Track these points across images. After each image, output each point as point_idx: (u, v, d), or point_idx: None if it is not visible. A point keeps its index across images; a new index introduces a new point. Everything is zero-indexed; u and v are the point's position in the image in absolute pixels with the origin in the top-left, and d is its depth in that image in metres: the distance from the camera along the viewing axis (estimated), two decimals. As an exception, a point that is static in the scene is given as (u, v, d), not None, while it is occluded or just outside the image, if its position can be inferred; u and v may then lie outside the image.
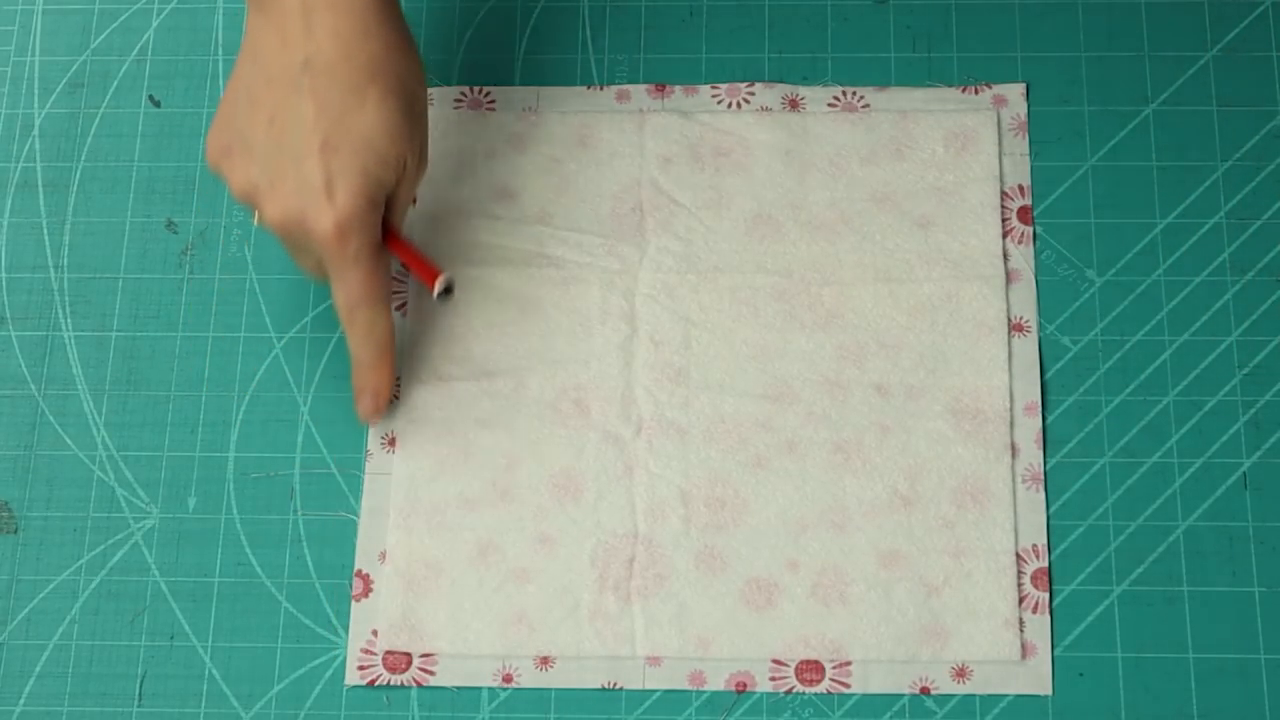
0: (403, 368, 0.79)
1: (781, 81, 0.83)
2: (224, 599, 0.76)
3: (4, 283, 0.82)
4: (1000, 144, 0.81)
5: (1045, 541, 0.75)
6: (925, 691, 0.73)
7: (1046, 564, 0.74)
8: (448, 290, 0.75)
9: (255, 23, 0.73)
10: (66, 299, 0.81)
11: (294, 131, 0.71)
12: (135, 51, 0.86)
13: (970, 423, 0.76)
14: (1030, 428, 0.76)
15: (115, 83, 0.85)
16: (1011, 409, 0.77)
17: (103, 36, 0.86)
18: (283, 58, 0.72)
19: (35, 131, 0.85)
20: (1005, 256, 0.79)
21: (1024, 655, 0.73)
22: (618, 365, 0.78)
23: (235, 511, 0.77)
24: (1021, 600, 0.74)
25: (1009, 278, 0.79)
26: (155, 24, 0.86)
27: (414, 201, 0.81)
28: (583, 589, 0.75)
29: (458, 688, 0.74)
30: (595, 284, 0.80)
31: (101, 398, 0.80)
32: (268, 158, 0.71)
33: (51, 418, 0.79)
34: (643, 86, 0.83)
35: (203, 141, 0.83)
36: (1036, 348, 0.78)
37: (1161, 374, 0.77)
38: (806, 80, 0.83)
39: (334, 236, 0.71)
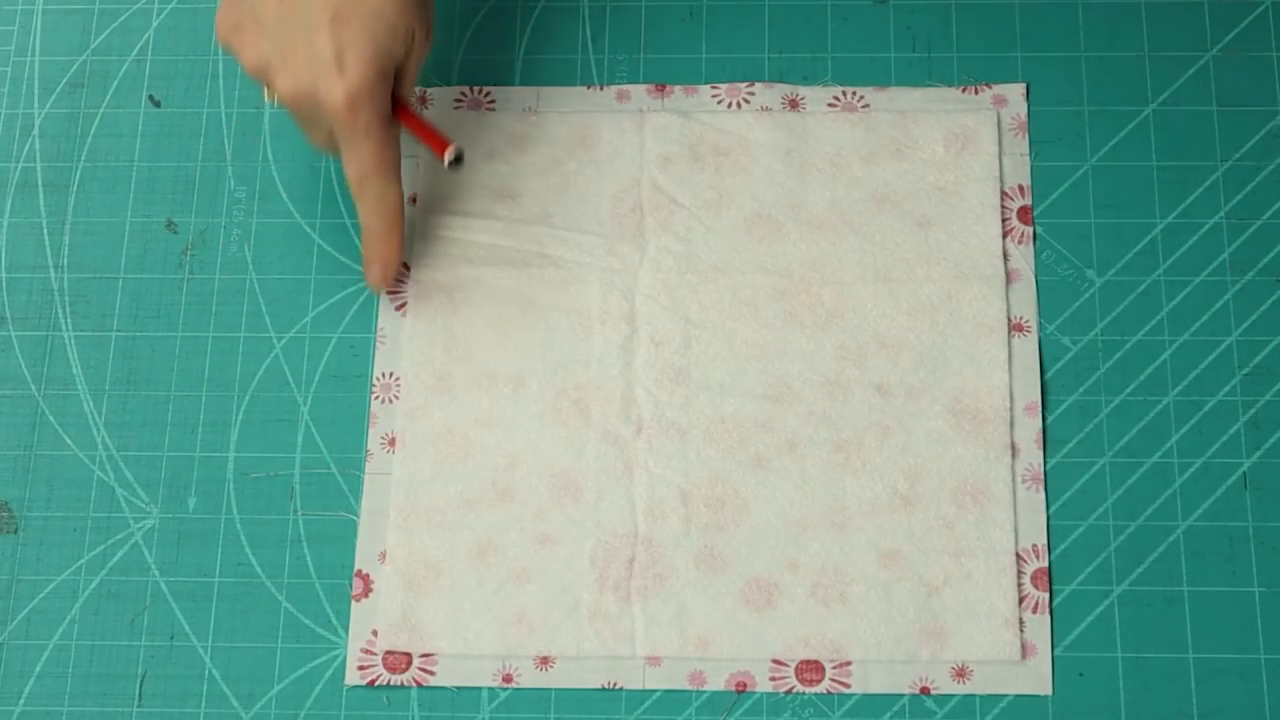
0: (403, 367, 0.79)
1: (781, 81, 0.83)
2: (224, 599, 0.76)
3: (4, 283, 0.82)
4: (1000, 144, 0.81)
5: (1045, 541, 0.75)
6: (925, 691, 0.73)
7: (1046, 564, 0.74)
8: (458, 159, 0.75)
9: None
10: (66, 299, 0.81)
11: (304, 5, 0.72)
12: (135, 51, 0.86)
13: (970, 423, 0.76)
14: (1030, 428, 0.76)
15: (115, 83, 0.85)
16: (1011, 409, 0.77)
17: (103, 36, 0.86)
18: None
19: (35, 131, 0.85)
20: (1005, 256, 0.79)
21: (1024, 655, 0.73)
22: (618, 365, 0.78)
23: (235, 511, 0.77)
24: (1021, 600, 0.74)
25: (1009, 278, 0.79)
26: (155, 24, 0.86)
27: (414, 200, 0.81)
28: (583, 589, 0.75)
29: (458, 688, 0.74)
30: (595, 284, 0.80)
31: (101, 398, 0.80)
32: (279, 32, 0.73)
33: (51, 418, 0.80)
34: (643, 86, 0.83)
35: (203, 141, 0.84)
36: (1036, 348, 0.78)
37: (1161, 374, 0.77)
38: (806, 80, 0.83)
39: (345, 108, 0.72)
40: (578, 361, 0.78)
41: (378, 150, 0.74)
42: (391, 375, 0.79)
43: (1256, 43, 0.82)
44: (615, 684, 0.74)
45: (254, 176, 0.83)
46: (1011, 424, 0.76)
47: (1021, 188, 0.80)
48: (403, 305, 0.80)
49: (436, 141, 0.76)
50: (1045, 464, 0.76)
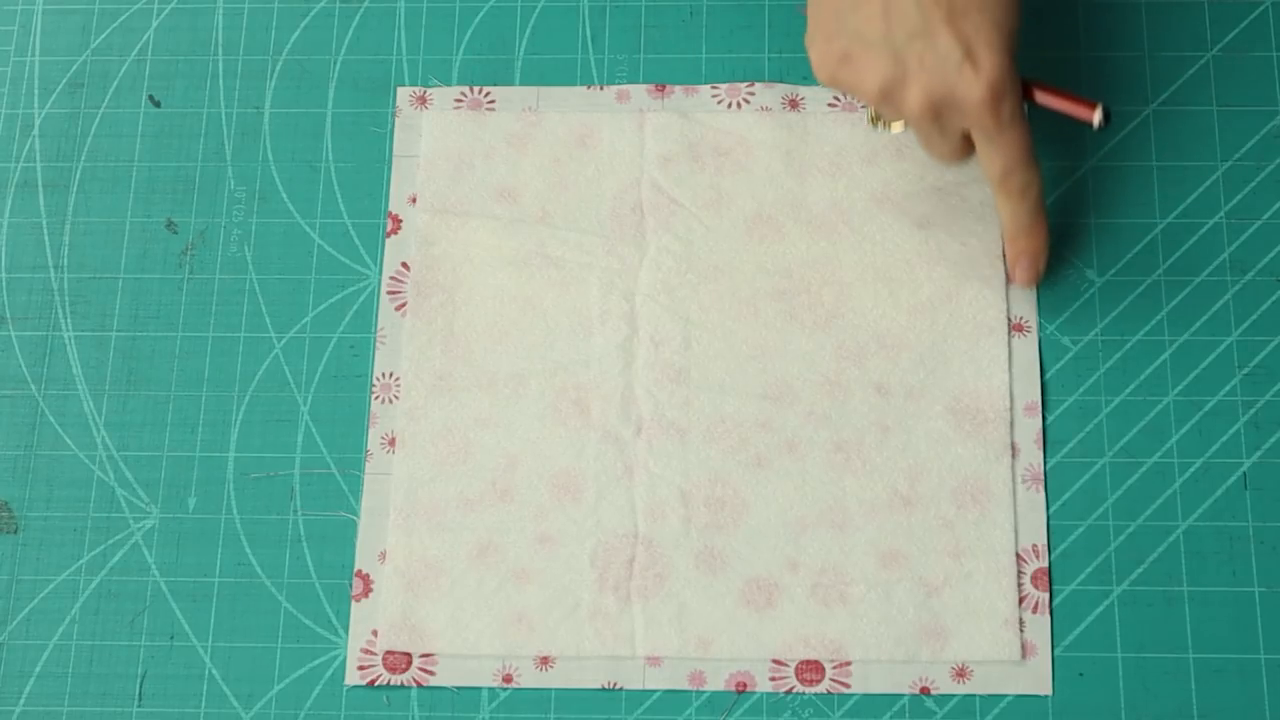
0: (403, 367, 0.79)
1: (781, 81, 0.83)
2: (224, 599, 0.76)
3: (4, 283, 0.82)
4: (1000, 144, 0.81)
5: (1045, 541, 0.75)
6: (925, 691, 0.73)
7: (1046, 564, 0.74)
8: (1106, 118, 0.72)
9: None
10: (66, 299, 0.81)
11: (913, 11, 0.70)
12: (135, 51, 0.86)
13: (970, 423, 0.76)
14: (1030, 428, 0.76)
15: (115, 83, 0.85)
16: (1011, 409, 0.77)
17: (103, 36, 0.86)
18: None
19: (35, 131, 0.85)
20: (1005, 256, 0.79)
21: (1024, 655, 0.73)
22: (618, 365, 0.78)
23: (235, 511, 0.77)
24: (1021, 600, 0.74)
25: (1009, 278, 0.79)
26: (155, 24, 0.86)
27: (413, 201, 0.81)
28: (583, 589, 0.75)
29: (458, 688, 0.74)
30: (595, 284, 0.80)
31: (101, 398, 0.80)
32: (895, 46, 0.70)
33: (51, 418, 0.80)
34: (643, 86, 0.83)
35: (203, 141, 0.84)
36: (1036, 348, 0.78)
37: (1161, 374, 0.77)
38: (806, 80, 0.83)
39: (988, 102, 0.69)
40: (578, 361, 0.78)
41: (1021, 139, 0.71)
42: (391, 375, 0.79)
43: (1256, 43, 0.82)
44: (615, 684, 0.74)
45: (254, 176, 0.83)
46: (1011, 424, 0.76)
47: (1021, 188, 0.80)
48: (403, 305, 0.80)
49: (1081, 105, 0.72)
50: (1045, 464, 0.76)
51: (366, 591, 0.76)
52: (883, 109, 0.73)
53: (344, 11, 0.86)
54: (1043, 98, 0.73)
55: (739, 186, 0.81)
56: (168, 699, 0.75)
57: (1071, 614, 0.74)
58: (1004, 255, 0.78)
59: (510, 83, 0.84)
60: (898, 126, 0.75)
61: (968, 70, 0.69)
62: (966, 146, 0.73)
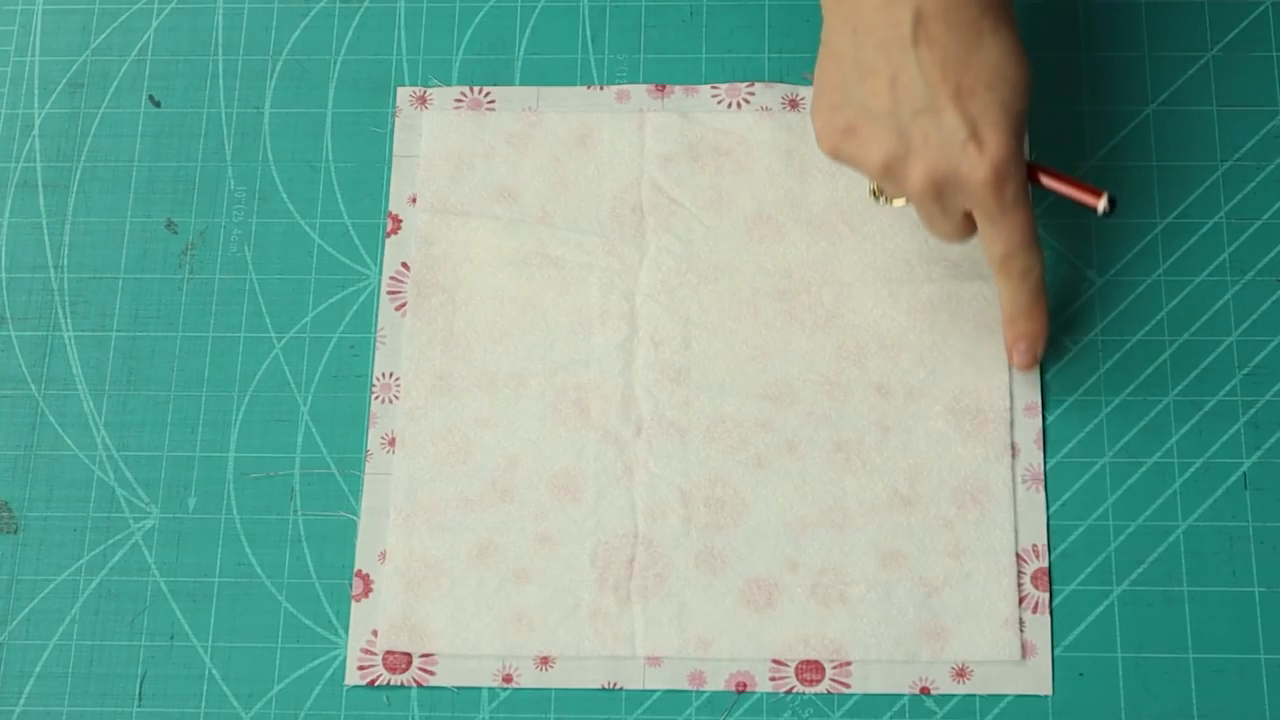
0: (403, 367, 0.79)
1: (781, 81, 0.83)
2: (224, 599, 0.76)
3: (4, 283, 0.82)
4: (1000, 144, 0.81)
5: (1045, 541, 0.75)
6: (925, 691, 0.73)
7: (1046, 564, 0.74)
8: (1112, 206, 0.71)
9: None
10: (66, 299, 0.81)
11: (920, 87, 0.68)
12: (135, 51, 0.86)
13: (970, 423, 0.76)
14: (1030, 428, 0.76)
15: (115, 83, 0.85)
16: (1011, 409, 0.77)
17: (103, 36, 0.86)
18: (889, 17, 0.69)
19: (35, 131, 0.85)
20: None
21: (1024, 655, 0.73)
22: (618, 365, 0.78)
23: (235, 511, 0.77)
24: (1021, 600, 0.74)
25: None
26: (155, 24, 0.86)
27: (413, 201, 0.81)
28: (583, 589, 0.75)
29: (458, 688, 0.74)
30: (595, 284, 0.80)
31: (101, 398, 0.80)
32: (900, 122, 0.69)
33: (51, 418, 0.80)
34: (643, 86, 0.83)
35: (203, 141, 0.83)
36: (1036, 348, 0.78)
37: (1161, 374, 0.77)
38: (807, 80, 0.83)
39: (992, 183, 0.68)
40: (578, 361, 0.78)
41: (1023, 222, 0.70)
42: (391, 375, 0.79)
43: (1256, 43, 0.82)
44: (615, 684, 0.74)
45: (254, 176, 0.83)
46: (1011, 424, 0.76)
47: (1021, 188, 0.80)
48: (403, 305, 0.80)
49: (1086, 192, 0.72)
50: (1045, 464, 0.76)
51: (366, 591, 0.76)
52: (885, 184, 0.72)
53: (344, 11, 0.86)
54: (1048, 182, 0.72)
55: (739, 186, 0.81)
56: (168, 699, 0.75)
57: (1071, 614, 0.74)
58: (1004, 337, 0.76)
59: (510, 83, 0.84)
60: (899, 202, 0.75)
61: (972, 150, 0.68)
62: (968, 225, 0.72)
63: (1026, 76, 0.69)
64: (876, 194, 0.76)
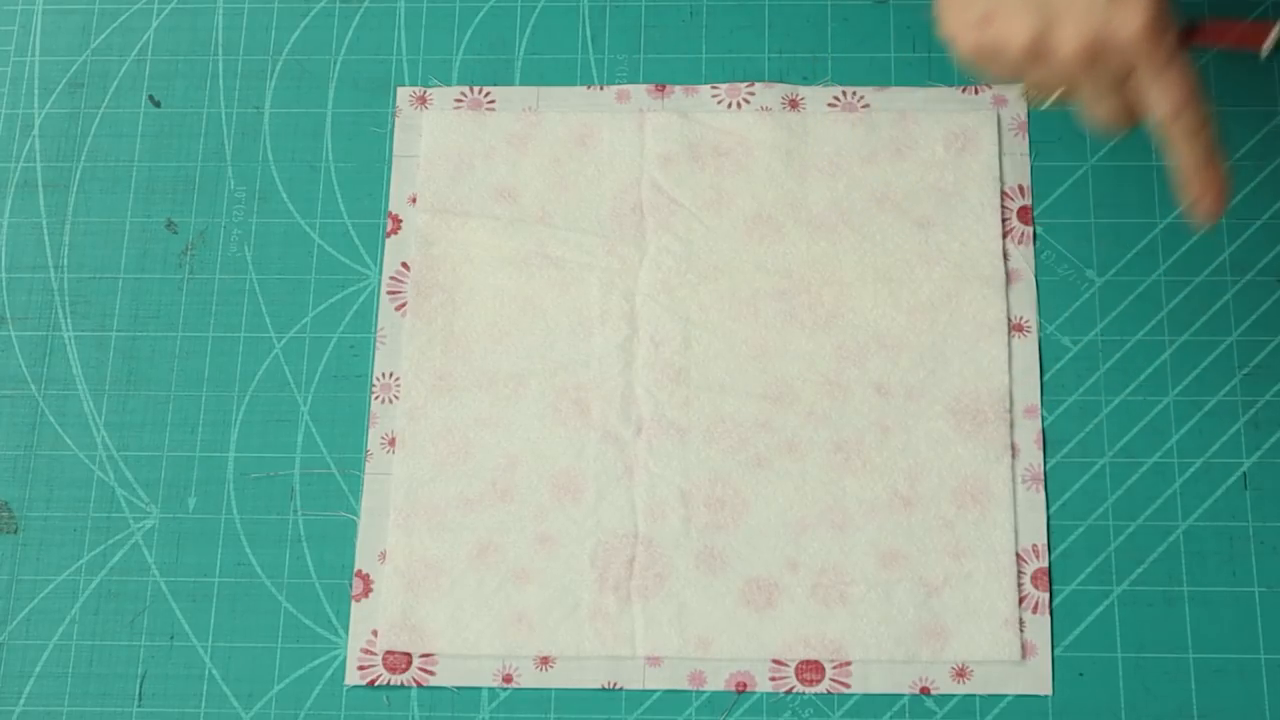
0: (403, 367, 0.79)
1: (781, 81, 0.83)
2: (224, 599, 0.76)
3: (4, 283, 0.82)
4: (1000, 144, 0.81)
5: (1045, 541, 0.75)
6: (925, 691, 0.73)
7: (1046, 564, 0.74)
8: (1278, 45, 0.68)
9: None
10: (66, 299, 0.81)
11: None
12: (135, 51, 0.86)
13: (970, 423, 0.76)
14: (1030, 428, 0.76)
15: (115, 83, 0.85)
16: (1011, 409, 0.77)
17: (103, 36, 0.86)
18: None
19: (35, 131, 0.85)
20: (1005, 256, 0.79)
21: (1024, 655, 0.73)
22: (618, 365, 0.78)
23: (235, 511, 0.77)
24: (1021, 600, 0.74)
25: (1009, 278, 0.79)
26: (155, 24, 0.86)
27: (413, 201, 0.81)
28: (583, 589, 0.75)
29: (458, 688, 0.74)
30: (595, 284, 0.80)
31: (101, 398, 0.80)
32: None
33: (51, 418, 0.80)
34: (643, 86, 0.83)
35: (203, 141, 0.83)
36: (1036, 348, 0.78)
37: (1161, 374, 0.77)
38: (806, 80, 0.83)
39: (1149, 34, 0.65)
40: (578, 361, 0.78)
41: (1186, 71, 0.66)
42: (391, 375, 0.79)
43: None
44: (615, 684, 0.74)
45: (254, 176, 0.83)
46: (1011, 424, 0.77)
47: (1021, 188, 0.80)
48: (403, 305, 0.80)
49: (1248, 33, 0.69)
50: (1045, 464, 0.76)
51: (366, 591, 0.76)
52: (1033, 68, 0.68)
53: (344, 11, 0.86)
54: (1210, 29, 0.69)
55: (739, 186, 0.81)
56: (168, 699, 0.75)
57: (1071, 614, 0.74)
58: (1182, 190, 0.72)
59: (510, 83, 0.84)
60: (1054, 93, 0.70)
61: (1123, 4, 0.65)
62: (1129, 98, 0.68)
63: None
64: (1028, 93, 0.72)
